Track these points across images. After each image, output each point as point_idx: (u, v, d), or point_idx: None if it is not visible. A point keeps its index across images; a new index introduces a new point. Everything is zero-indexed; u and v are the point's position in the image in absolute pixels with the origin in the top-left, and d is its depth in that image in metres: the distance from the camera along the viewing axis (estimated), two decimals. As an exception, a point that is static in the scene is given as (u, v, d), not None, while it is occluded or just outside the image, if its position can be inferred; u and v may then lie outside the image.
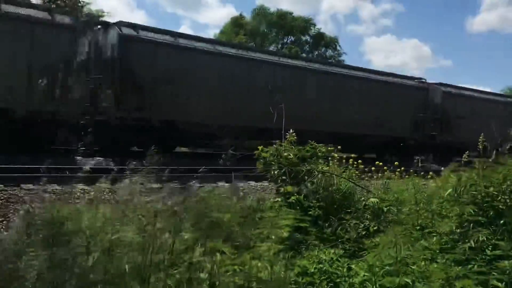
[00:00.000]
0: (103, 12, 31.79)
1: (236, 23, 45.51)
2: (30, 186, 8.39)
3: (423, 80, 23.89)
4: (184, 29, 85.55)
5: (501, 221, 3.83)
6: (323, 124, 18.30)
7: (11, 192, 8.12)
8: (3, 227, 6.52)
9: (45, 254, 2.30)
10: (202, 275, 2.58)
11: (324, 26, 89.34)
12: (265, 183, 9.95)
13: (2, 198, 7.71)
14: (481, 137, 4.80)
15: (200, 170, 5.45)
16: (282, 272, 2.95)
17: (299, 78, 18.64)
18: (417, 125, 22.29)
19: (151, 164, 4.32)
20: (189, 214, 3.19)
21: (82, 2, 30.50)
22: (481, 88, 32.00)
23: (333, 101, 19.37)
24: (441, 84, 24.22)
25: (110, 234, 2.63)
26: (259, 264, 2.77)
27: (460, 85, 27.35)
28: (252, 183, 10.71)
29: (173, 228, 2.92)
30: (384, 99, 20.96)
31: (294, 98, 16.84)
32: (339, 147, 6.92)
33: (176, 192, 4.10)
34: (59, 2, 28.81)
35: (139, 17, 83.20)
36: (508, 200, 3.91)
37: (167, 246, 2.96)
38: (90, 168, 3.96)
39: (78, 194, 7.28)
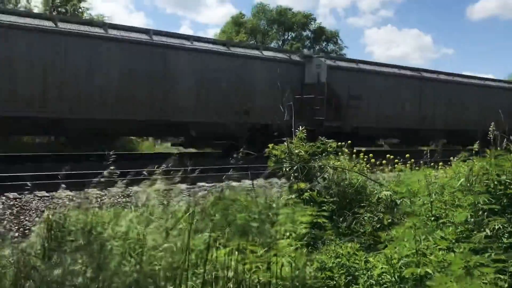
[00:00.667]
0: (104, 17, 31.98)
1: (237, 21, 45.55)
2: (44, 193, 8.51)
3: (300, 52, 20.04)
4: (184, 29, 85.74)
5: (515, 209, 3.87)
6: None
7: (24, 199, 8.23)
8: (20, 234, 6.62)
9: (77, 259, 2.37)
10: (228, 273, 2.64)
11: (324, 20, 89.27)
12: (274, 180, 10.02)
13: (17, 205, 7.81)
14: (491, 126, 4.83)
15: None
16: (302, 268, 3.01)
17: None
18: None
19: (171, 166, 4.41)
20: (210, 214, 3.26)
21: (82, 8, 30.68)
22: (483, 75, 31.27)
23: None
24: (326, 57, 20.60)
25: (138, 237, 2.70)
26: (283, 261, 2.83)
27: (461, 72, 26.10)
28: (262, 180, 10.78)
29: (195, 228, 2.99)
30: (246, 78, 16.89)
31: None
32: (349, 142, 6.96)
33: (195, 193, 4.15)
34: (60, 9, 28.99)
35: (138, 19, 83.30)
36: (521, 188, 3.95)
37: (192, 246, 3.04)
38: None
39: (99, 198, 7.38)
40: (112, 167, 3.55)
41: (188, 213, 3.34)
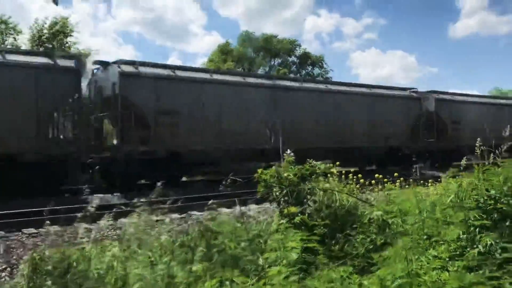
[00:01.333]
0: (91, 50, 32.13)
1: (223, 50, 45.99)
2: (32, 230, 8.34)
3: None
4: (173, 60, 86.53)
5: (506, 223, 3.83)
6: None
7: (12, 238, 8.05)
8: (7, 274, 6.45)
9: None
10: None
11: (310, 45, 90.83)
12: (266, 205, 9.94)
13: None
14: (477, 141, 4.84)
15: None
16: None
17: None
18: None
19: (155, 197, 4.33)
20: (196, 245, 3.18)
21: (69, 43, 30.84)
22: (469, 92, 34.12)
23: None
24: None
25: (119, 272, 2.61)
26: (273, 289, 2.75)
27: (448, 90, 28.83)
28: (254, 206, 10.69)
29: (183, 259, 2.90)
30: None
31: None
32: (337, 163, 6.94)
33: (181, 223, 4.07)
34: (46, 45, 29.11)
35: (128, 52, 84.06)
36: (510, 201, 3.92)
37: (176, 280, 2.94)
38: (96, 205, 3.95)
39: (83, 233, 7.23)
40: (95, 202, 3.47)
41: (175, 245, 3.26)
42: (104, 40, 75.73)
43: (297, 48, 48.79)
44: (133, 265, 3.04)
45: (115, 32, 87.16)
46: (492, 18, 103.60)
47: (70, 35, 30.61)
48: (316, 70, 49.14)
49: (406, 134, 22.92)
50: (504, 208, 3.93)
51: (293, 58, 49.05)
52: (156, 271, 2.86)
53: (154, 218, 4.85)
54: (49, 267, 2.43)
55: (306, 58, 48.48)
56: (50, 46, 28.93)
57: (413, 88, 24.81)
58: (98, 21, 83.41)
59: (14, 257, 7.01)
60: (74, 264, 3.23)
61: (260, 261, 3.19)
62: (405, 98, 23.78)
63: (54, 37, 29.57)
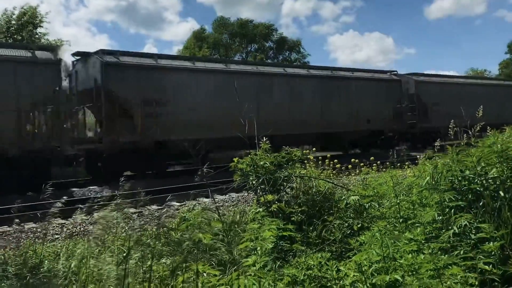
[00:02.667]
0: (63, 41, 31.40)
1: (198, 36, 45.49)
2: (6, 227, 8.14)
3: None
4: (149, 47, 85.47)
5: (480, 203, 3.85)
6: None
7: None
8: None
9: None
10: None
11: (287, 29, 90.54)
12: (246, 194, 9.91)
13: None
14: (451, 123, 4.86)
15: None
16: (271, 285, 2.88)
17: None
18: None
19: (126, 190, 4.23)
20: (169, 237, 3.11)
21: (39, 34, 30.04)
22: (446, 73, 34.61)
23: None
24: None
25: (88, 268, 2.53)
26: (246, 282, 2.70)
27: (427, 72, 29.81)
28: (234, 195, 10.66)
29: (154, 254, 2.84)
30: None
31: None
32: (314, 149, 6.91)
33: (154, 216, 3.97)
34: (15, 36, 28.32)
35: (102, 42, 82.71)
36: (484, 182, 3.94)
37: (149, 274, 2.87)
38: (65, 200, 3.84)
39: (56, 229, 7.09)
40: (65, 197, 3.36)
41: (150, 238, 3.19)
42: (77, 29, 74.29)
43: (273, 33, 48.60)
44: (106, 261, 2.96)
45: (88, 21, 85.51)
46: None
47: (40, 26, 29.80)
48: (294, 55, 49.09)
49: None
50: (478, 188, 3.95)
51: (270, 43, 48.87)
52: (128, 266, 2.78)
53: (131, 210, 4.75)
54: (11, 268, 2.34)
55: (283, 43, 48.33)
56: (19, 37, 28.14)
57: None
58: (70, 10, 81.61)
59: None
60: (45, 262, 3.14)
61: (235, 252, 3.14)
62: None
63: (23, 28, 28.75)
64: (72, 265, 2.61)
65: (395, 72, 24.82)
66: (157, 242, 2.96)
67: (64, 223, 7.00)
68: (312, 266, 3.80)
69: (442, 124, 21.43)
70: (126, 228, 3.17)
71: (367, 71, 24.44)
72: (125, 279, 2.18)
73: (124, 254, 2.48)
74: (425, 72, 27.57)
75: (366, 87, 22.30)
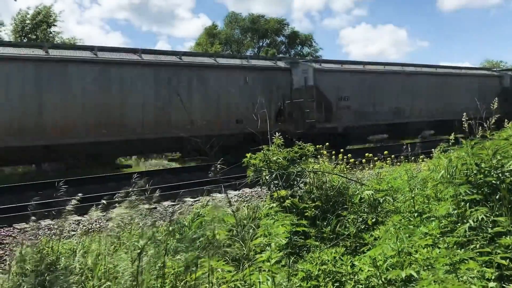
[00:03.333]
0: (76, 39, 31.69)
1: (210, 33, 45.52)
2: (24, 225, 8.26)
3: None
4: (161, 44, 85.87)
5: (497, 197, 3.80)
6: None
7: (4, 233, 7.97)
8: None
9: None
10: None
11: (299, 24, 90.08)
12: (259, 189, 9.91)
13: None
14: (464, 116, 4.79)
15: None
16: (285, 281, 2.88)
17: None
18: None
19: (141, 186, 4.25)
20: (183, 233, 3.13)
21: (53, 33, 30.35)
22: (459, 64, 32.36)
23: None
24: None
25: (103, 265, 2.55)
26: (260, 277, 2.71)
27: (437, 63, 27.13)
28: (247, 190, 10.67)
29: (170, 250, 2.85)
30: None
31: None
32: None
33: (169, 212, 3.99)
34: (29, 36, 28.63)
35: (115, 39, 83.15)
36: (500, 174, 3.89)
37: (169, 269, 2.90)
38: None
39: (73, 226, 7.18)
40: (79, 194, 3.40)
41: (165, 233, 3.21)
42: (90, 28, 74.91)
43: (285, 28, 48.43)
44: (121, 258, 2.98)
45: (101, 19, 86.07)
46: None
47: (54, 25, 30.09)
48: (306, 49, 48.91)
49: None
50: (493, 181, 3.90)
51: (281, 38, 48.73)
52: (143, 263, 2.81)
53: (146, 206, 4.79)
54: (29, 266, 2.37)
55: (294, 38, 48.14)
56: (34, 37, 28.46)
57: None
58: (84, 9, 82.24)
59: (7, 253, 6.96)
60: (61, 259, 3.19)
61: (249, 248, 3.14)
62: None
63: (38, 27, 29.06)
64: (88, 262, 2.64)
65: (281, 57, 20.52)
66: (171, 239, 2.97)
67: (80, 219, 7.10)
68: (326, 261, 3.80)
69: (353, 123, 19.19)
70: (141, 224, 3.19)
71: (241, 57, 18.85)
72: (138, 276, 2.20)
73: (138, 251, 2.50)
74: (336, 59, 21.67)
75: (232, 77, 16.51)
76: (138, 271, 2.27)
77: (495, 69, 28.27)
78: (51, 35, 30.00)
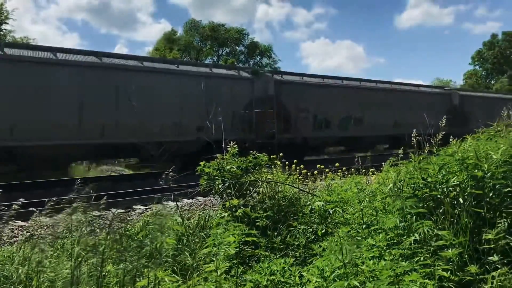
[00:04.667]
0: (29, 39, 30.66)
1: (169, 38, 45.15)
2: None
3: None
4: (119, 48, 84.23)
5: (441, 210, 3.93)
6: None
7: None
8: None
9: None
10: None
11: (261, 34, 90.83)
12: (213, 198, 9.85)
13: None
14: (414, 132, 4.94)
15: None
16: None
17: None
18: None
19: (88, 192, 4.12)
20: (130, 242, 3.04)
21: (4, 30, 29.25)
22: (413, 81, 33.79)
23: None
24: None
25: (42, 273, 2.44)
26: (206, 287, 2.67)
27: (392, 80, 28.51)
28: (201, 198, 10.57)
29: (114, 259, 2.77)
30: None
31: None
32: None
33: (117, 219, 3.90)
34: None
35: (72, 41, 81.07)
36: (445, 189, 4.02)
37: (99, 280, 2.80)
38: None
39: (15, 232, 6.87)
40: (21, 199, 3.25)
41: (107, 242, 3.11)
42: (46, 27, 72.72)
43: (245, 38, 48.72)
44: (64, 265, 2.87)
45: (58, 19, 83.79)
46: (435, 9, 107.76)
47: (5, 23, 29.01)
48: (265, 60, 49.32)
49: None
50: (438, 195, 4.02)
51: (241, 48, 48.97)
52: (85, 271, 2.71)
53: (94, 213, 4.63)
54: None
55: (254, 48, 48.49)
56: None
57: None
58: (40, 8, 79.85)
59: None
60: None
61: (197, 257, 3.10)
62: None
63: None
64: (24, 270, 2.52)
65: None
66: (117, 246, 2.89)
67: (24, 225, 6.81)
68: (275, 272, 3.80)
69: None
70: (83, 231, 3.08)
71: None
72: (75, 285, 2.12)
73: (80, 259, 2.42)
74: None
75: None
76: (74, 279, 2.19)
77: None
78: (1, 33, 28.89)
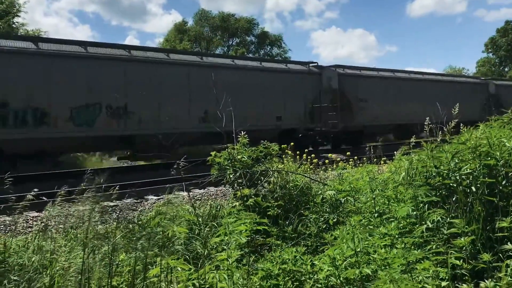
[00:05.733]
0: (41, 32, 30.80)
1: (180, 29, 45.09)
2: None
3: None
4: (130, 39, 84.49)
5: (453, 199, 3.90)
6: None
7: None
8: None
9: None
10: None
11: (271, 24, 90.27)
12: (224, 188, 9.88)
13: None
14: (427, 119, 4.90)
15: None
16: (243, 279, 2.87)
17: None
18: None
19: (101, 183, 4.15)
20: (142, 231, 3.07)
21: (16, 23, 29.42)
22: (425, 70, 34.64)
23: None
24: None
25: (57, 262, 2.47)
26: (217, 275, 2.68)
27: (405, 68, 29.58)
28: (212, 188, 10.61)
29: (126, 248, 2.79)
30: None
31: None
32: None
33: (130, 209, 3.92)
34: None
35: (84, 32, 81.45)
36: (457, 177, 3.99)
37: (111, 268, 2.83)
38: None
39: (30, 222, 6.96)
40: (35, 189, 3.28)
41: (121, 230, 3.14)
42: (58, 20, 73.13)
43: (255, 27, 48.49)
44: (78, 255, 2.91)
45: (70, 11, 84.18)
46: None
47: (17, 15, 29.17)
48: (275, 50, 49.08)
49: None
50: (451, 184, 3.99)
51: (251, 38, 48.76)
52: (98, 259, 2.74)
53: (106, 204, 4.68)
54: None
55: (264, 38, 48.25)
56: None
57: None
58: (51, 0, 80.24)
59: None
60: (14, 256, 3.08)
61: (209, 246, 3.11)
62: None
63: (1, 18, 28.09)
64: (39, 259, 2.55)
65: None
66: (129, 235, 2.91)
67: (38, 216, 6.89)
68: (287, 260, 3.80)
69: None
70: (98, 221, 3.12)
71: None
72: (83, 274, 2.15)
73: (92, 248, 2.44)
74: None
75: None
76: (82, 269, 2.21)
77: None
78: (14, 26, 29.07)
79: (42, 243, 2.83)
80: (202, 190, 10.40)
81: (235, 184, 5.42)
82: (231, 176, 5.43)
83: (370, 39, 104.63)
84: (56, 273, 2.50)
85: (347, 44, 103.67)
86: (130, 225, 2.91)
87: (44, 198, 4.45)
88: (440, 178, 4.10)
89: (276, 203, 4.92)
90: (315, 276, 3.58)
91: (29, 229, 6.27)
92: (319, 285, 3.51)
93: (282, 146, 6.22)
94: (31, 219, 6.80)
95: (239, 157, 5.54)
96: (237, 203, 4.97)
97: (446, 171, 4.09)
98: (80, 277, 2.29)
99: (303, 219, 4.77)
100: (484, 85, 29.39)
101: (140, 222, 3.66)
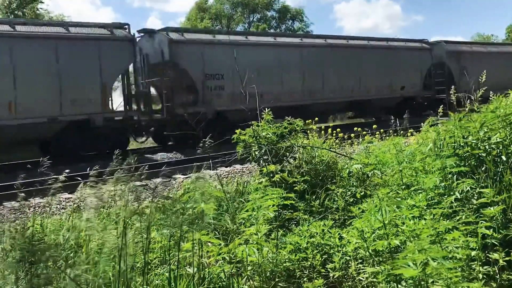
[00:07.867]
0: (64, 17, 31.14)
1: (201, 7, 44.90)
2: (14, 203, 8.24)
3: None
4: (152, 20, 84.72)
5: (483, 169, 3.84)
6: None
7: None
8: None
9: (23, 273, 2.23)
10: (189, 270, 2.53)
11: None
12: (250, 165, 9.95)
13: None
14: (452, 89, 4.80)
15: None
16: (272, 253, 2.91)
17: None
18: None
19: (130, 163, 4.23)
20: (171, 209, 3.13)
21: (40, 10, 29.80)
22: (452, 38, 34.24)
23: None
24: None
25: (91, 241, 2.56)
26: (247, 250, 2.73)
27: (432, 38, 30.07)
28: (238, 166, 10.70)
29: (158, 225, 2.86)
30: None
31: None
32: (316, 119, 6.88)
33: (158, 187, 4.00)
34: (17, 12, 28.09)
35: (106, 15, 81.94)
36: (487, 147, 3.92)
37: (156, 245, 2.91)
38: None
39: (63, 203, 7.18)
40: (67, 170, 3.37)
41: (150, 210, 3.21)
42: (81, 3, 73.69)
43: (275, 2, 47.86)
44: (110, 233, 2.99)
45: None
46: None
47: (41, 2, 29.52)
48: (297, 24, 48.46)
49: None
50: (480, 153, 3.93)
51: (272, 13, 48.20)
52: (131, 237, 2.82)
53: (136, 183, 4.77)
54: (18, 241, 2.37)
55: (285, 12, 47.63)
56: (20, 14, 27.91)
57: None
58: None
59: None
60: (50, 235, 3.19)
61: (237, 222, 3.16)
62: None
63: (26, 4, 28.50)
64: (73, 237, 2.65)
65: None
66: (159, 213, 2.98)
67: (70, 197, 7.11)
68: (315, 234, 3.85)
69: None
70: (129, 200, 3.19)
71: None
72: (121, 250, 2.22)
73: (126, 226, 2.52)
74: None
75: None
76: (122, 245, 2.28)
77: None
78: (38, 12, 29.46)
79: (76, 223, 2.92)
80: (228, 168, 10.49)
81: (261, 161, 5.45)
82: (256, 153, 5.46)
83: (395, 9, 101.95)
84: (91, 250, 2.59)
85: (372, 15, 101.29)
86: (162, 201, 2.98)
87: (79, 178, 4.57)
88: (469, 148, 4.03)
89: (302, 178, 4.94)
90: (344, 249, 3.62)
91: (63, 210, 6.47)
92: (348, 258, 3.55)
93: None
94: (64, 200, 7.03)
95: (263, 133, 5.55)
96: (264, 180, 5.00)
97: (474, 141, 4.02)
98: (115, 254, 2.37)
99: (329, 194, 4.78)
100: (427, 50, 24.94)
101: (172, 197, 3.73)
